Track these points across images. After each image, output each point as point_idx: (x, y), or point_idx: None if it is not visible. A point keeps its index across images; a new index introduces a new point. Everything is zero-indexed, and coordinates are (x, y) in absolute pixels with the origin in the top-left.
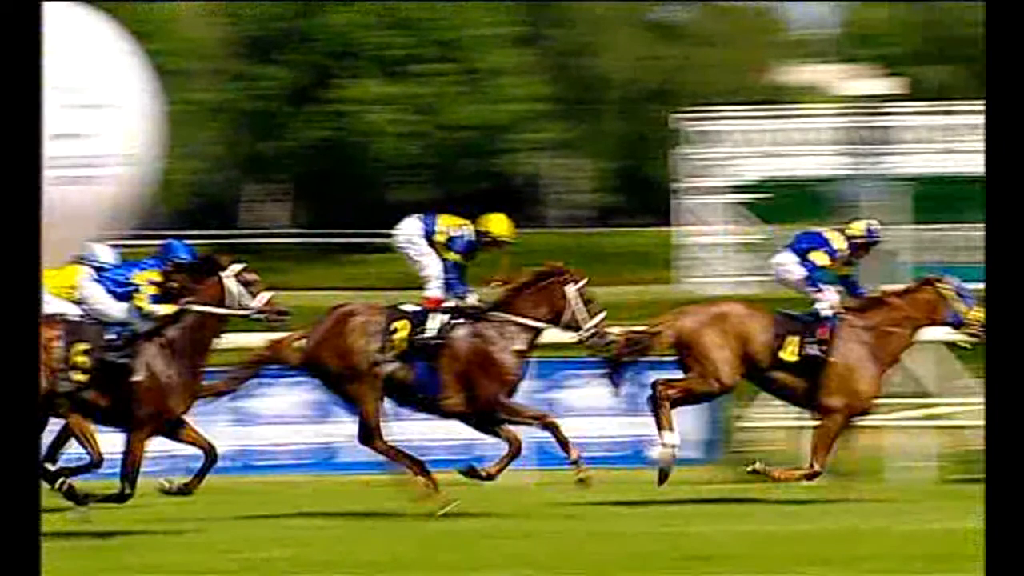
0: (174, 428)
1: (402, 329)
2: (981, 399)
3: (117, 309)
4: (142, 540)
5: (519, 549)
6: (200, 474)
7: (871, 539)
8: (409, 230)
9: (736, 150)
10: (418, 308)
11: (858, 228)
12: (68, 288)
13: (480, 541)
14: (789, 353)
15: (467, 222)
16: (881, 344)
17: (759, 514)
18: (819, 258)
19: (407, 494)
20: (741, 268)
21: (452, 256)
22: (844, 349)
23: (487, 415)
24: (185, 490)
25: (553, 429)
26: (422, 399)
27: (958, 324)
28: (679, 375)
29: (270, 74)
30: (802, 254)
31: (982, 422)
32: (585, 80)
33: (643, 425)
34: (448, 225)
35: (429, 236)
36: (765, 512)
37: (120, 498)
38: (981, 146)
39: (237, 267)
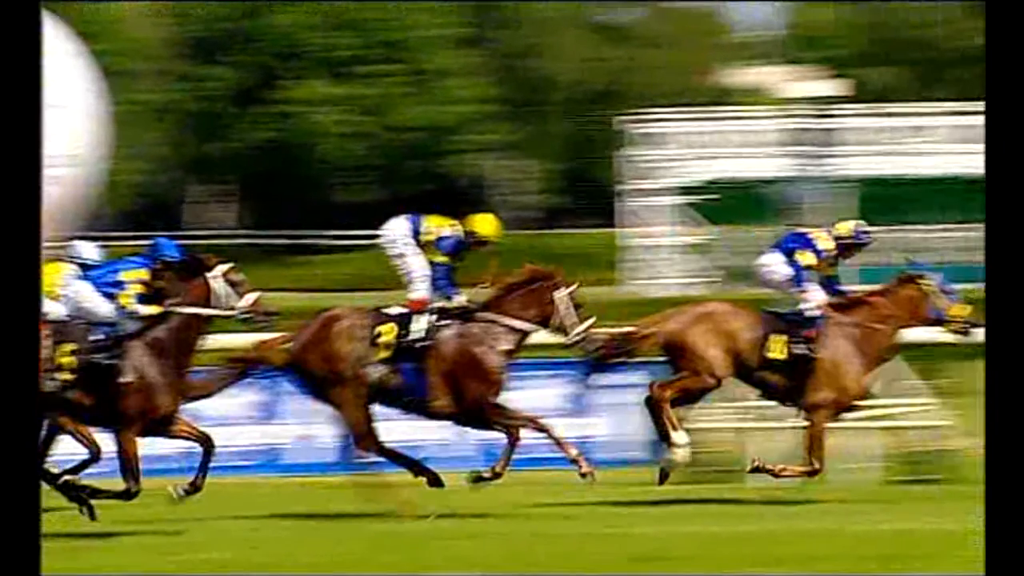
0: (164, 426)
1: (388, 333)
2: (926, 400)
3: (104, 308)
4: (79, 544)
5: (464, 550)
6: (203, 468)
7: (822, 539)
8: (396, 230)
9: (681, 152)
10: (403, 310)
11: (846, 228)
12: (49, 286)
13: (425, 542)
14: (776, 351)
15: (454, 222)
16: (866, 341)
17: (705, 515)
18: (805, 258)
19: (363, 495)
20: (686, 269)
21: (440, 257)
22: (830, 347)
23: (476, 416)
24: (193, 489)
25: (546, 431)
26: (410, 402)
27: (940, 320)
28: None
29: (215, 75)
30: (788, 254)
31: (926, 423)
32: (531, 82)
33: (587, 426)
34: (435, 225)
35: (416, 236)
36: (711, 513)
37: (127, 495)
38: (925, 147)
39: (224, 267)
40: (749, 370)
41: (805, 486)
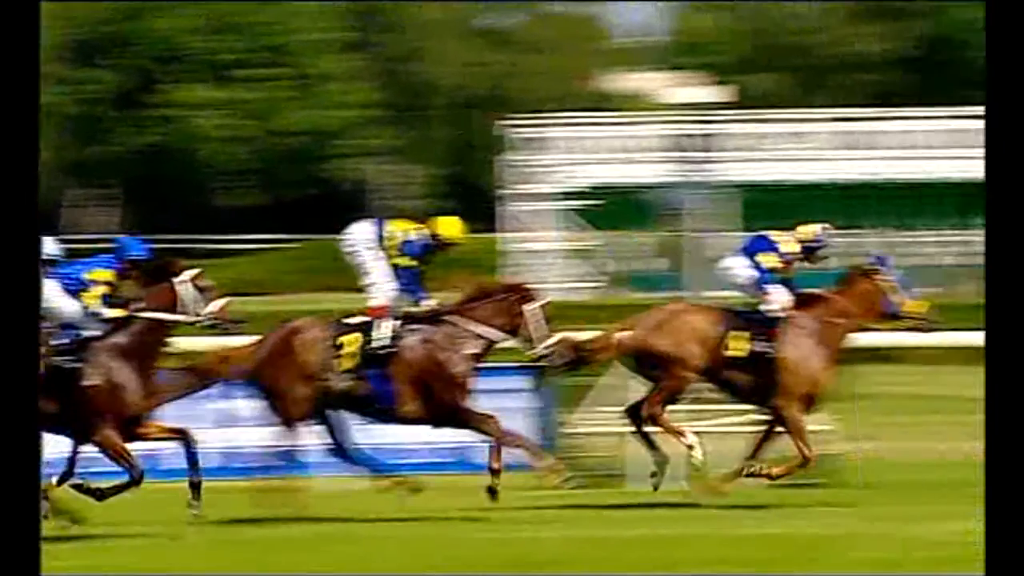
0: (133, 429)
1: (351, 343)
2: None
3: (69, 307)
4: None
5: (344, 554)
6: (193, 464)
7: (706, 543)
8: (360, 235)
9: (563, 156)
10: (366, 319)
11: (810, 232)
12: None
13: (306, 546)
14: (735, 349)
15: (418, 225)
16: (825, 337)
17: (588, 520)
18: (768, 260)
19: (253, 500)
20: (568, 274)
21: (405, 261)
22: (791, 344)
23: (446, 420)
24: (196, 490)
25: (504, 435)
26: (379, 409)
27: (896, 316)
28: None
29: (95, 78)
30: (752, 257)
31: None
32: (414, 86)
33: (466, 433)
34: (400, 229)
35: (380, 241)
36: (593, 517)
37: (134, 482)
38: (806, 153)
39: (191, 272)
40: (712, 368)
41: (686, 492)
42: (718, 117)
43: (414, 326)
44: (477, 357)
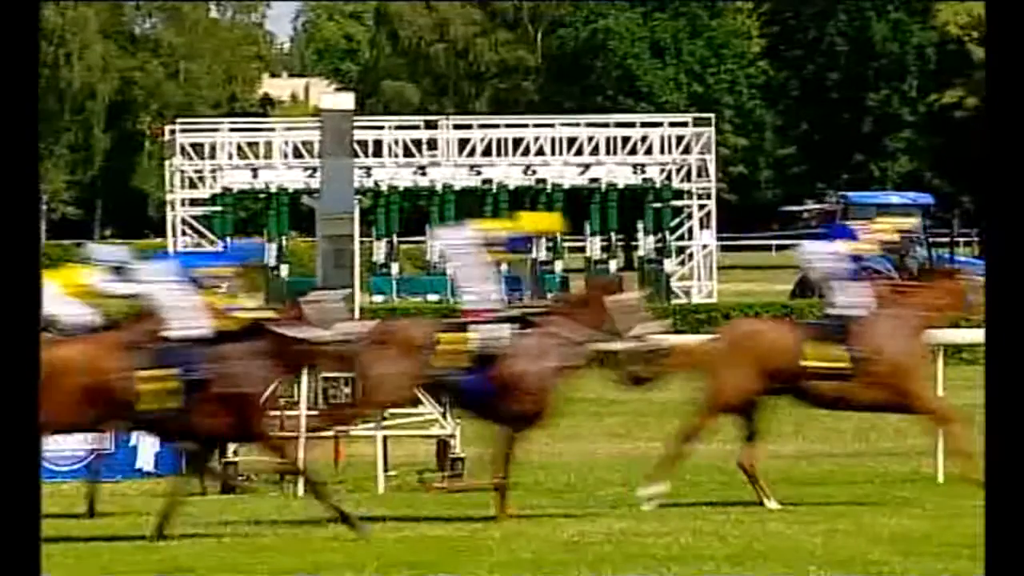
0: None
1: (454, 342)
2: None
3: (187, 302)
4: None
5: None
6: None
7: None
8: (450, 238)
9: (218, 162)
10: (464, 320)
11: (890, 226)
12: (73, 287)
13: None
14: (815, 359)
15: (508, 223)
16: (912, 331)
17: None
18: (853, 249)
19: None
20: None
21: (506, 256)
22: (878, 339)
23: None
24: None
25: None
26: (482, 406)
27: (971, 312)
28: None
29: None
30: (833, 245)
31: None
32: (66, 91)
33: (96, 440)
34: (491, 229)
35: (472, 242)
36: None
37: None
38: (457, 158)
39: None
40: (791, 380)
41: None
42: (365, 123)
43: (512, 327)
44: (568, 366)
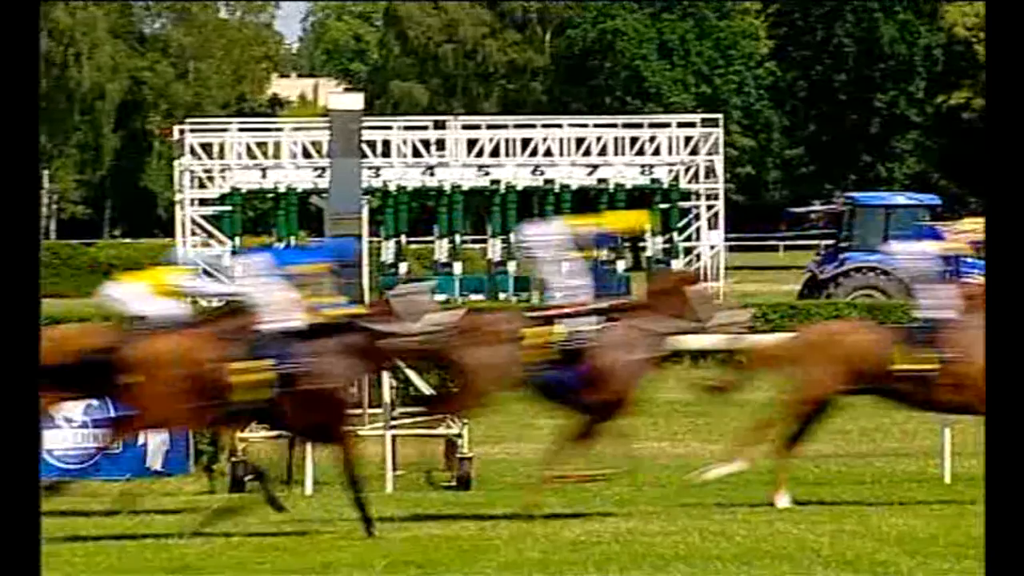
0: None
1: (540, 335)
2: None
3: (280, 296)
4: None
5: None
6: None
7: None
8: (536, 235)
9: (229, 162)
10: (550, 314)
11: (974, 225)
12: (166, 287)
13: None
14: (903, 362)
15: (596, 220)
16: None
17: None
18: (944, 248)
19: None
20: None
21: (593, 253)
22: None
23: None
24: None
25: None
26: (568, 399)
27: None
28: None
29: None
30: (923, 246)
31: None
32: (76, 91)
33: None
34: (580, 225)
35: (558, 239)
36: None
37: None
38: (466, 158)
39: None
40: (877, 381)
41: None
42: (374, 123)
43: (599, 321)
44: (653, 358)
